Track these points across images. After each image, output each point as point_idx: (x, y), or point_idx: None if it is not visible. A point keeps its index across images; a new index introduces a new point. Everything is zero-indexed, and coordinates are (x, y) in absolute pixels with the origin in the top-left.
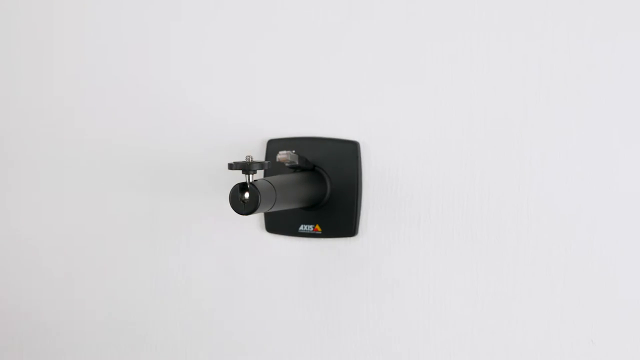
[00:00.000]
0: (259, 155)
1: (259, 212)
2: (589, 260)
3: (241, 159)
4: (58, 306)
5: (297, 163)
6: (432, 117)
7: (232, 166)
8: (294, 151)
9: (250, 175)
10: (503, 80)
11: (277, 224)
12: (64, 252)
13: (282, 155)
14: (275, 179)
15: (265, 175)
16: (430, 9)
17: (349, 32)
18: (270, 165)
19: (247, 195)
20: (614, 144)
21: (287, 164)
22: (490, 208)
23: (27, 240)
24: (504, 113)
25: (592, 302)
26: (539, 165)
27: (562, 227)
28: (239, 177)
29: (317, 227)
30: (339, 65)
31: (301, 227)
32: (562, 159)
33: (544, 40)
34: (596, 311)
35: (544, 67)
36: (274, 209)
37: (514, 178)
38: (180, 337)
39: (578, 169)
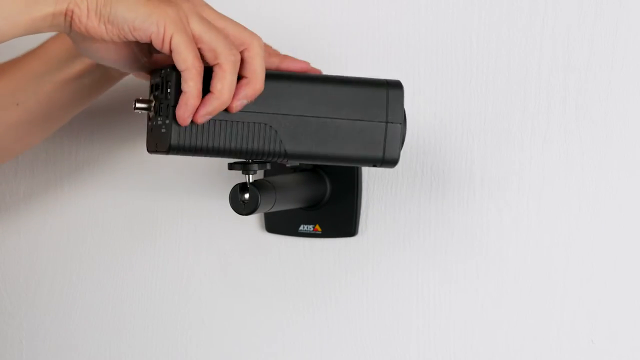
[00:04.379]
0: None
1: (259, 212)
2: (589, 260)
3: None
4: (57, 306)
5: (297, 163)
6: (432, 117)
7: (232, 166)
8: None
9: (250, 175)
10: (503, 80)
11: (277, 224)
12: (64, 251)
13: None
14: (275, 179)
15: (265, 175)
16: (429, 12)
17: (349, 32)
18: (270, 165)
19: (247, 195)
20: (614, 142)
21: (287, 164)
22: (490, 208)
23: (26, 239)
24: (504, 113)
25: (592, 302)
26: (540, 165)
27: (562, 227)
28: (239, 177)
29: (317, 227)
30: (338, 65)
31: (301, 227)
32: (563, 158)
33: (545, 41)
34: (596, 311)
35: (544, 66)
36: (274, 209)
37: (514, 178)
38: (180, 336)
39: (579, 168)
